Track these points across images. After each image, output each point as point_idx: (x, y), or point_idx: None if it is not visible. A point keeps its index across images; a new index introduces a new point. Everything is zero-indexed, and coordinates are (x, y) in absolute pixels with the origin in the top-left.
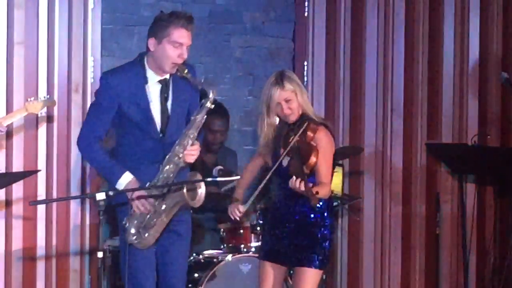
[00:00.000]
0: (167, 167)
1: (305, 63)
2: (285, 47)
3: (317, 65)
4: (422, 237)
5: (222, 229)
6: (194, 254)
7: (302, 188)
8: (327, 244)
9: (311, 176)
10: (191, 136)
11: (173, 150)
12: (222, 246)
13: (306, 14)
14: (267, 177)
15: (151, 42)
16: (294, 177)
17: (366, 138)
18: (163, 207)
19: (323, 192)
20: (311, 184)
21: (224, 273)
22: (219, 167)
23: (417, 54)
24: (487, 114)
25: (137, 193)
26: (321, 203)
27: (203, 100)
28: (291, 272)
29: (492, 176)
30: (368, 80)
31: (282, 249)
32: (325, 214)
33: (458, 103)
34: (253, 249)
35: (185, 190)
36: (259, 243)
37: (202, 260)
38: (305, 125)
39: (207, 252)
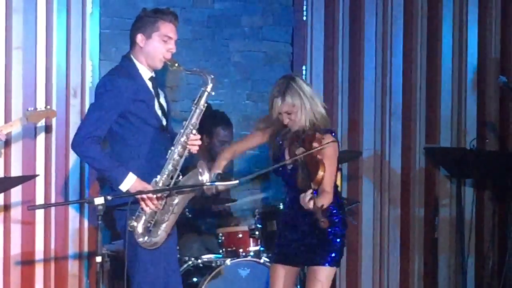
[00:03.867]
0: (173, 159)
1: (304, 67)
2: (284, 51)
3: (316, 69)
4: (420, 241)
5: (220, 234)
6: (193, 259)
7: (311, 206)
8: (338, 241)
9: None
10: (194, 125)
11: (177, 141)
12: (220, 251)
13: (304, 18)
14: (264, 171)
15: (140, 38)
16: (303, 194)
17: (364, 142)
18: (176, 200)
19: (326, 201)
20: (320, 205)
21: (222, 278)
22: (218, 171)
23: (415, 58)
24: (486, 118)
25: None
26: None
27: (202, 88)
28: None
29: (490, 180)
30: (367, 84)
31: (292, 250)
32: (334, 211)
33: (456, 107)
34: (251, 254)
35: (200, 177)
36: (257, 247)
37: (201, 265)
38: (309, 138)
39: (206, 257)
